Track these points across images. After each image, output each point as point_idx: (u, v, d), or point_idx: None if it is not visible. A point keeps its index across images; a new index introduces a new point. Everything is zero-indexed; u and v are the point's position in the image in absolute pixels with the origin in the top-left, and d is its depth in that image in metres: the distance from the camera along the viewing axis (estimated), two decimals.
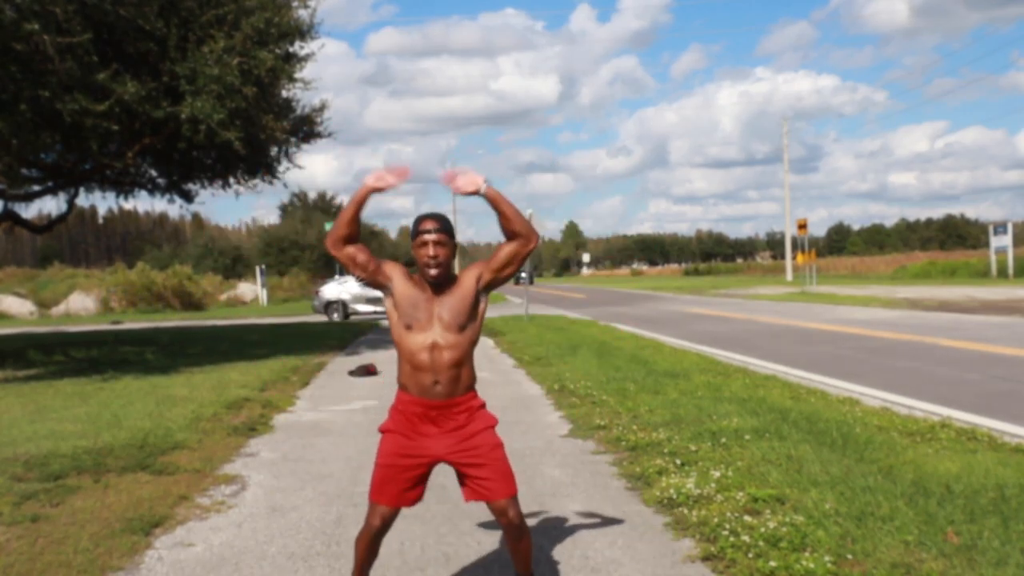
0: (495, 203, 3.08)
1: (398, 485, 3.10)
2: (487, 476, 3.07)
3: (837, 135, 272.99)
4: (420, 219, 3.10)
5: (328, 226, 25.88)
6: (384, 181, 3.08)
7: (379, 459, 3.14)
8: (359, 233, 3.14)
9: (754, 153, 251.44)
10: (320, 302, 26.57)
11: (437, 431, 3.09)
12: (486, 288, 3.17)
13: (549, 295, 43.28)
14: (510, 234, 3.12)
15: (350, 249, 3.11)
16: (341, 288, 26.39)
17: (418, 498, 3.20)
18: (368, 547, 3.20)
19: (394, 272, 3.14)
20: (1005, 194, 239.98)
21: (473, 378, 3.16)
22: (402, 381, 3.14)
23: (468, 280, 3.14)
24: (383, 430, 3.18)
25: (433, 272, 3.05)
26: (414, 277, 3.15)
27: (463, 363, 3.08)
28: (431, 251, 3.04)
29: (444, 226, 3.07)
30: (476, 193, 3.08)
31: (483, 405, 3.20)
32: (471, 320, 3.11)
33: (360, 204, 3.09)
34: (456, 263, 3.61)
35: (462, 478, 3.15)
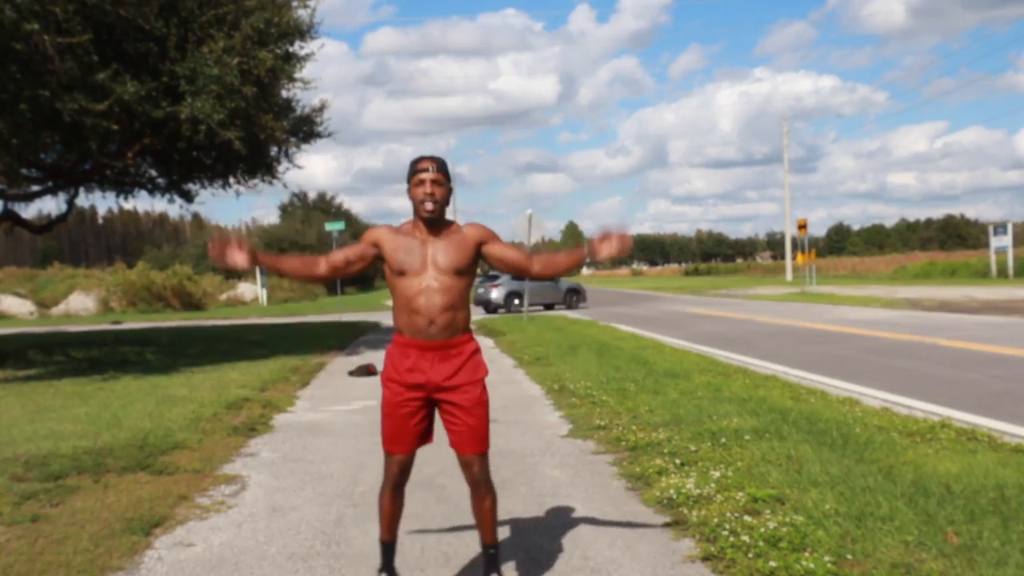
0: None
1: (407, 429, 3.19)
2: (463, 429, 3.17)
3: (836, 135, 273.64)
4: (417, 159, 3.19)
5: (328, 226, 25.89)
6: (232, 260, 3.18)
7: (384, 409, 3.24)
8: (318, 264, 3.27)
9: (753, 153, 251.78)
10: (500, 294, 26.31)
11: (431, 365, 3.15)
12: (481, 255, 3.26)
13: None
14: (539, 274, 3.31)
15: (339, 267, 3.25)
16: (520, 281, 25.43)
17: (428, 434, 3.27)
18: (391, 499, 3.30)
19: (377, 236, 3.23)
20: (1005, 194, 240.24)
21: (468, 319, 3.24)
22: (397, 324, 3.21)
23: (471, 233, 3.22)
24: (383, 379, 3.25)
25: (429, 207, 3.11)
26: (402, 227, 3.23)
27: (458, 306, 3.16)
28: (428, 188, 3.11)
29: (440, 166, 3.17)
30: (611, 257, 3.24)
31: (478, 349, 3.26)
32: (466, 266, 3.18)
33: (272, 268, 3.27)
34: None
35: (443, 421, 3.25)
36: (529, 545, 3.95)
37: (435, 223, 3.16)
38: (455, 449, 3.23)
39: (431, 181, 3.11)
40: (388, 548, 3.40)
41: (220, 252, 3.17)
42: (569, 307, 27.46)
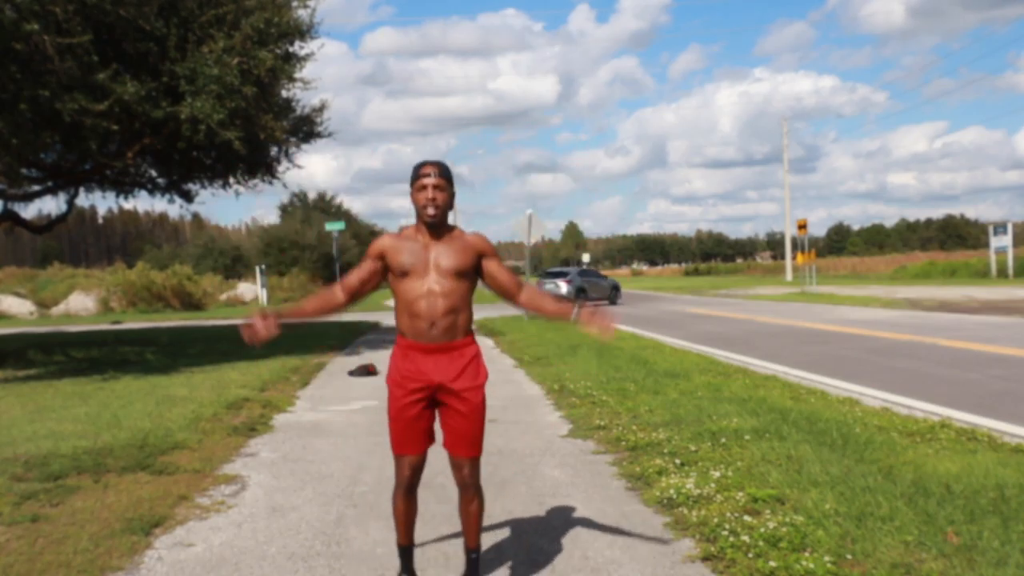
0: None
1: (416, 430, 3.22)
2: (459, 432, 3.21)
3: (836, 135, 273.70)
4: (420, 164, 3.20)
5: (328, 226, 25.93)
6: (263, 336, 3.18)
7: (391, 413, 3.26)
8: (336, 296, 3.30)
9: (753, 153, 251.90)
10: (571, 289, 28.15)
11: (434, 366, 3.18)
12: (481, 268, 3.28)
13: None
14: (522, 304, 3.39)
15: (356, 290, 3.29)
16: (584, 277, 29.34)
17: (433, 434, 3.30)
18: (405, 501, 3.32)
19: (380, 247, 3.25)
20: (1005, 194, 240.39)
21: (470, 321, 3.26)
22: (400, 327, 3.23)
23: (474, 241, 3.25)
24: (388, 382, 3.28)
25: (431, 212, 3.13)
26: (404, 232, 3.25)
27: (459, 309, 3.17)
28: (430, 193, 3.13)
29: (443, 171, 3.18)
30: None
31: (479, 352, 3.29)
32: (467, 269, 3.19)
33: (299, 317, 3.32)
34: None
35: (440, 418, 3.28)
36: (529, 545, 3.95)
37: (438, 227, 3.18)
38: (448, 449, 3.26)
39: (433, 186, 3.12)
40: (406, 552, 3.42)
41: (251, 335, 3.17)
42: (612, 303, 29.69)
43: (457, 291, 3.15)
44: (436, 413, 3.28)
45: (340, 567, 3.74)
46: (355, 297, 3.32)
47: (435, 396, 3.21)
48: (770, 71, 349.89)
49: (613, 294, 30.52)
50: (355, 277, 3.30)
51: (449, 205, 3.19)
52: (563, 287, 28.14)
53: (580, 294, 28.32)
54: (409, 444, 3.23)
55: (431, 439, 3.30)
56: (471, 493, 3.28)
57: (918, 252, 75.96)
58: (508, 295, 3.37)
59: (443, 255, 3.15)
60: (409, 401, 3.19)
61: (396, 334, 3.28)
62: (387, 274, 3.25)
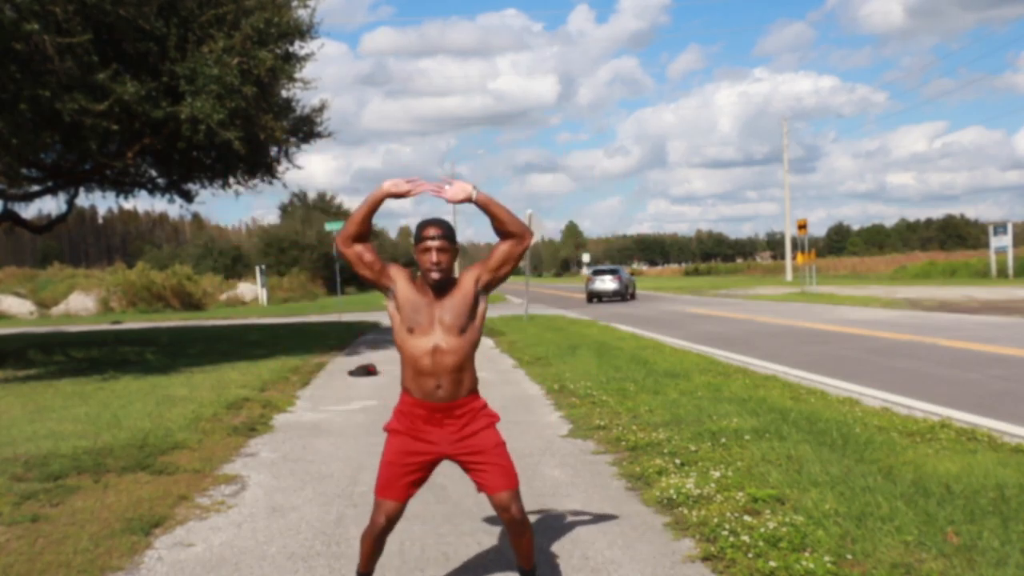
0: (486, 207, 3.18)
1: (403, 481, 3.18)
2: (489, 471, 3.15)
3: (836, 135, 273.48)
4: (423, 225, 3.17)
5: (328, 226, 25.92)
6: (400, 188, 3.19)
7: (386, 456, 3.21)
8: (369, 233, 3.23)
9: (753, 153, 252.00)
10: (620, 285, 31.82)
11: (440, 431, 3.15)
12: (485, 288, 3.24)
13: (549, 295, 43.30)
14: (504, 235, 3.21)
15: (358, 247, 3.19)
16: (629, 276, 34.18)
17: (419, 486, 3.26)
18: (374, 543, 3.28)
19: (398, 276, 3.21)
20: (1005, 194, 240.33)
21: (475, 380, 3.22)
22: (405, 384, 3.20)
23: (467, 282, 3.20)
24: (388, 429, 3.24)
25: (436, 276, 3.11)
26: (416, 281, 3.21)
27: (465, 367, 3.15)
28: (434, 257, 3.11)
29: (447, 232, 3.15)
30: (468, 200, 3.17)
31: (485, 406, 3.25)
32: (471, 321, 3.17)
33: (374, 206, 3.19)
34: (456, 266, 3.66)
35: (467, 472, 3.23)
36: None
37: (443, 286, 3.15)
38: (487, 493, 3.17)
39: (437, 249, 3.10)
40: None
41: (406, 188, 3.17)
42: (634, 298, 33.57)
43: (463, 348, 3.12)
44: (433, 471, 3.26)
45: (340, 567, 3.74)
46: (359, 238, 3.17)
47: (446, 457, 3.20)
48: (770, 71, 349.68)
49: (633, 290, 34.91)
50: (371, 252, 3.20)
51: (453, 264, 3.17)
52: (614, 284, 31.81)
53: (627, 288, 32.48)
54: (392, 490, 3.17)
55: (414, 491, 3.23)
56: (519, 528, 3.19)
57: (918, 252, 75.94)
58: (512, 246, 3.20)
59: (447, 312, 3.12)
60: (409, 458, 3.17)
61: (401, 392, 3.24)
62: (377, 284, 3.20)
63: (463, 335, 3.13)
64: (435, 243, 3.11)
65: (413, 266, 3.33)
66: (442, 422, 3.14)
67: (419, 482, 3.23)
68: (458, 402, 3.15)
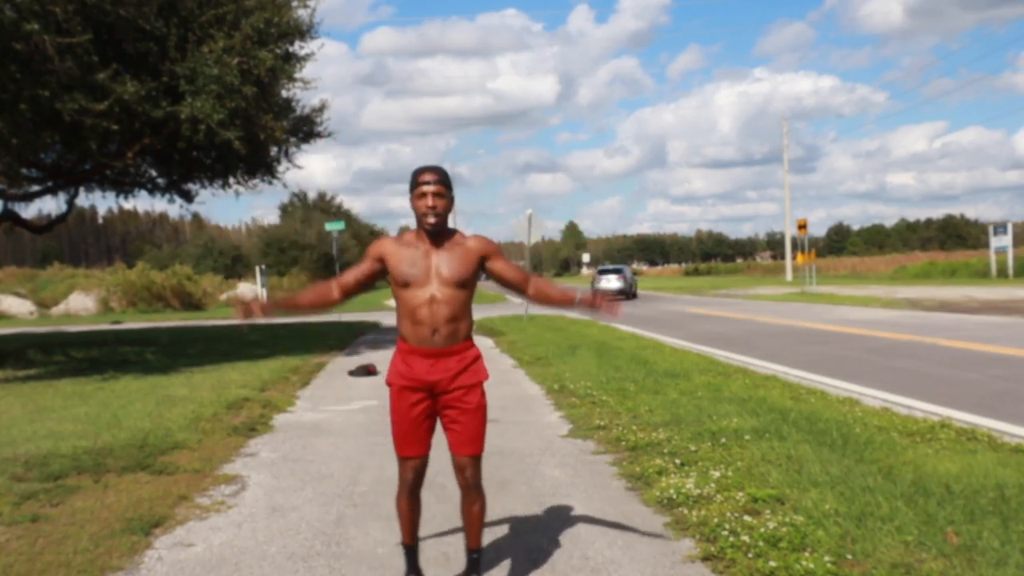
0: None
1: (417, 433, 3.25)
2: (460, 431, 3.24)
3: (836, 135, 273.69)
4: (419, 171, 3.21)
5: (328, 226, 25.93)
6: (254, 316, 3.35)
7: (393, 416, 3.30)
8: (331, 291, 3.35)
9: (753, 153, 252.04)
10: (627, 284, 33.22)
11: (433, 369, 3.21)
12: (483, 267, 3.30)
13: None
14: (530, 297, 3.40)
15: (351, 288, 3.33)
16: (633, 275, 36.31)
17: (432, 437, 3.34)
18: (409, 502, 3.36)
19: (381, 250, 3.27)
20: (1005, 194, 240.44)
21: (471, 327, 3.30)
22: (402, 332, 3.25)
23: (475, 245, 3.26)
24: (389, 383, 3.30)
25: (432, 220, 3.15)
26: (404, 237, 3.26)
27: (460, 316, 3.21)
28: (430, 201, 3.14)
29: (442, 178, 3.19)
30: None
31: (479, 355, 3.32)
32: (468, 277, 3.22)
33: (291, 308, 3.47)
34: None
35: (444, 429, 3.32)
36: (529, 545, 3.95)
37: (438, 234, 3.19)
38: (452, 450, 3.28)
39: (433, 194, 3.13)
40: (411, 551, 3.47)
41: (245, 311, 3.34)
42: (635, 297, 33.96)
43: (459, 298, 3.17)
44: (438, 419, 3.31)
45: (340, 567, 3.74)
46: (349, 294, 3.35)
47: (435, 398, 3.23)
48: (770, 71, 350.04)
49: (635, 290, 36.37)
50: (352, 276, 3.33)
51: (449, 210, 3.21)
52: (617, 282, 32.72)
53: (633, 286, 33.59)
54: (411, 445, 3.26)
55: (430, 442, 3.32)
56: (473, 494, 3.31)
57: (918, 252, 75.94)
58: (518, 289, 3.41)
59: (444, 263, 3.16)
60: (411, 402, 3.22)
61: (397, 336, 3.29)
62: (386, 275, 3.28)
63: (460, 287, 3.18)
64: (431, 188, 3.13)
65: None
66: (436, 364, 3.20)
67: (431, 428, 3.30)
68: (453, 348, 3.21)
